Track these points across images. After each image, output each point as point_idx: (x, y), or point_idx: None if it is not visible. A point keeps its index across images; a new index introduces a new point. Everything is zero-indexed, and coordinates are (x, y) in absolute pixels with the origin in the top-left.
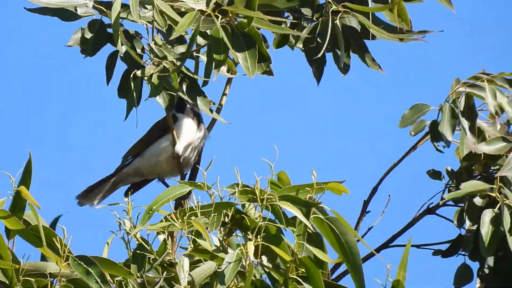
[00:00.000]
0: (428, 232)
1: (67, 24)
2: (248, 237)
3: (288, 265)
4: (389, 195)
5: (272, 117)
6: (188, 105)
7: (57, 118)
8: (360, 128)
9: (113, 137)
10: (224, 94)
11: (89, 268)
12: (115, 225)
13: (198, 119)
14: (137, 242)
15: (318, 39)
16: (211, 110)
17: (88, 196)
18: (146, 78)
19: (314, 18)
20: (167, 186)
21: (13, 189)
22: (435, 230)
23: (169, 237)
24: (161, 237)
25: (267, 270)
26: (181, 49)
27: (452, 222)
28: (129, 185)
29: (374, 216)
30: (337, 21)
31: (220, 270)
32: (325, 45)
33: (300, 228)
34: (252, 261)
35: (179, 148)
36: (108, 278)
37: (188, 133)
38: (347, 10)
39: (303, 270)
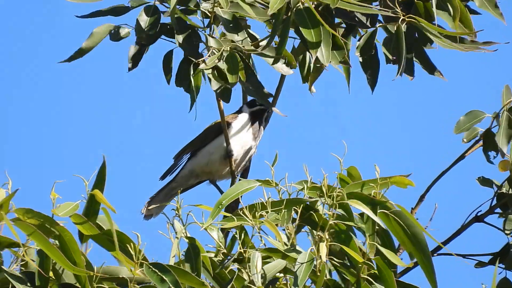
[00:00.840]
0: (476, 241)
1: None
2: (319, 235)
3: (359, 265)
4: (436, 204)
5: (318, 120)
6: (249, 108)
7: (57, 117)
8: (407, 133)
9: (113, 137)
10: (278, 89)
11: (163, 276)
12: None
13: (258, 123)
14: (187, 241)
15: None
16: (268, 102)
17: (150, 208)
18: (208, 69)
19: (369, 24)
20: (219, 189)
21: (87, 192)
22: (483, 238)
23: (237, 233)
24: (215, 234)
25: (339, 269)
26: (238, 37)
27: (501, 230)
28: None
29: (421, 224)
30: (402, 29)
31: (289, 267)
32: (403, 57)
33: (369, 227)
34: (325, 262)
35: (232, 148)
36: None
37: (243, 135)
38: (412, 20)
39: (375, 270)
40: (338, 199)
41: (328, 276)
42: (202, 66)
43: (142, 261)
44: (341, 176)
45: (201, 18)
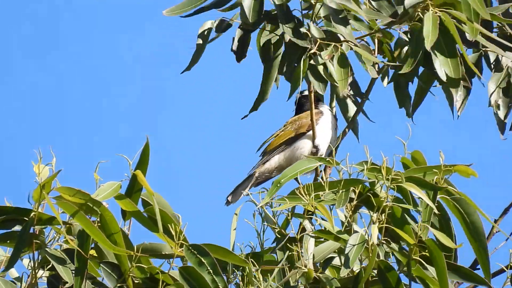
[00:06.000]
0: None
1: None
2: (373, 218)
3: (411, 247)
4: None
5: None
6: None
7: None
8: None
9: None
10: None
11: (202, 259)
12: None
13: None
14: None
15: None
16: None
17: (235, 195)
18: (324, 60)
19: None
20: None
21: (130, 172)
22: None
23: (291, 214)
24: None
25: (391, 250)
26: (343, 29)
27: None
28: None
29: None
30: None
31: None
32: None
33: (425, 211)
34: (375, 244)
35: (318, 142)
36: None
37: (328, 131)
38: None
39: (427, 253)
40: (396, 182)
41: (381, 258)
42: (314, 50)
43: (182, 242)
44: (404, 160)
45: (300, 10)
